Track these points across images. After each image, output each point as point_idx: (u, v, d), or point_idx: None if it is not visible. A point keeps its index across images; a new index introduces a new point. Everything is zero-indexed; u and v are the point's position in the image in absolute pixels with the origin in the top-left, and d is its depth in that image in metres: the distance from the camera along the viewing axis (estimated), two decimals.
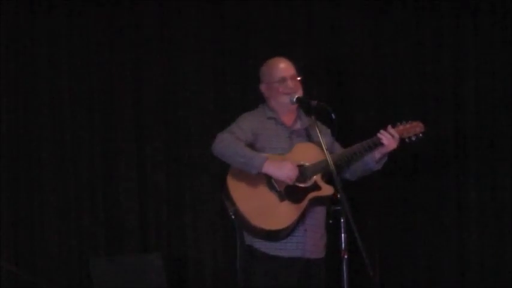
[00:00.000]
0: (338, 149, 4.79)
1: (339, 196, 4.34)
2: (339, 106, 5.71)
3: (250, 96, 5.89)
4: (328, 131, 4.81)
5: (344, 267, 4.33)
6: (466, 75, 6.17)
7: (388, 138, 4.68)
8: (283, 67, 4.73)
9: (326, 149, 4.47)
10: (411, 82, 6.21)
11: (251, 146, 4.61)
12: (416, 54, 6.21)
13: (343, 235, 4.34)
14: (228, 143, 4.53)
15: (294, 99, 4.67)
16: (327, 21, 6.20)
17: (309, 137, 4.75)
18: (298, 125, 4.76)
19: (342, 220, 4.34)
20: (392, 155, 4.86)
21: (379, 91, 6.20)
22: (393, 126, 4.74)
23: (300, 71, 4.79)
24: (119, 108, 5.95)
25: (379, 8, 6.18)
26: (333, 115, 4.50)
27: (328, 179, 4.64)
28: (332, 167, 4.42)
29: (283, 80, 4.69)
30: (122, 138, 5.94)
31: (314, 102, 4.59)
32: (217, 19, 6.07)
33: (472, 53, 6.17)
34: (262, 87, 4.77)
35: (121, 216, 5.91)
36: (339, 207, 4.34)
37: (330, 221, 4.43)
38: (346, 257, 4.34)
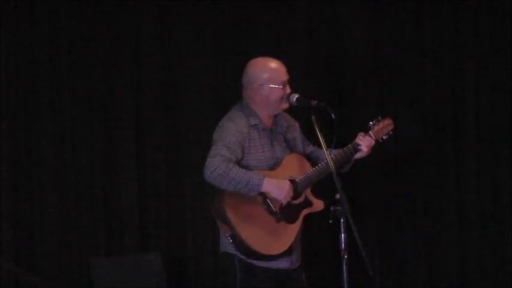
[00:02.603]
0: (308, 146, 4.79)
1: (338, 196, 4.34)
2: (339, 106, 5.73)
3: None
4: (297, 125, 4.79)
5: (344, 267, 4.32)
6: (466, 75, 6.17)
7: (367, 146, 4.69)
8: (283, 70, 4.64)
9: (326, 149, 4.46)
10: (411, 82, 6.21)
11: (239, 161, 4.52)
12: (416, 54, 6.21)
13: (343, 235, 4.34)
14: (221, 171, 4.39)
15: (294, 99, 4.64)
16: (327, 21, 6.20)
17: (285, 140, 4.73)
18: (277, 129, 4.71)
19: (342, 220, 4.33)
20: (392, 154, 4.88)
21: (379, 91, 6.20)
22: (367, 129, 4.74)
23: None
24: (119, 108, 5.95)
25: (379, 7, 6.18)
26: (332, 115, 4.50)
27: (319, 185, 4.64)
28: (332, 167, 4.43)
29: (284, 83, 4.63)
30: (121, 138, 5.94)
31: (314, 102, 4.58)
32: (217, 19, 6.07)
33: (472, 53, 6.17)
34: (258, 88, 4.62)
35: (121, 216, 5.91)
36: (339, 207, 4.34)
37: (330, 221, 4.43)
38: (346, 257, 4.33)
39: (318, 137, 4.50)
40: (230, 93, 5.99)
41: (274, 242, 4.52)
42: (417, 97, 6.20)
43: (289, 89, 4.64)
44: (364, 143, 4.69)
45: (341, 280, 4.34)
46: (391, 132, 4.81)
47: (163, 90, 6.02)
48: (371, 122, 4.78)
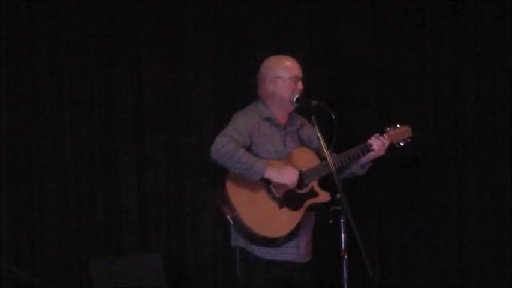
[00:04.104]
0: (323, 150, 4.80)
1: (339, 196, 4.35)
2: (339, 106, 5.73)
3: (250, 96, 5.89)
4: (314, 130, 4.81)
5: (344, 267, 4.33)
6: (466, 75, 6.17)
7: (379, 145, 4.71)
8: (296, 66, 4.73)
9: (326, 149, 4.47)
10: (411, 82, 6.21)
11: (247, 149, 4.59)
12: (416, 54, 6.21)
13: (343, 235, 4.35)
14: (229, 149, 4.47)
15: (294, 99, 4.67)
16: (327, 21, 6.20)
17: (300, 139, 4.76)
18: (292, 126, 4.76)
19: (342, 220, 4.34)
20: (392, 154, 4.89)
21: (379, 91, 6.20)
22: (383, 132, 4.77)
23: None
24: (119, 108, 5.95)
25: (379, 8, 6.18)
26: (332, 115, 4.51)
27: (322, 182, 4.66)
28: (332, 167, 4.44)
29: (297, 79, 4.70)
30: (121, 138, 5.94)
31: (314, 102, 4.60)
32: (217, 19, 6.07)
33: (472, 53, 6.17)
34: (270, 81, 4.70)
35: (121, 217, 5.92)
36: (339, 207, 4.34)
37: (330, 221, 4.43)
38: (346, 257, 4.34)
39: (318, 137, 4.51)
40: (230, 93, 6.02)
41: (274, 225, 4.54)
42: (417, 97, 6.20)
43: (302, 85, 4.70)
44: (376, 142, 4.72)
45: (341, 280, 4.35)
46: (409, 140, 4.83)
47: (163, 90, 6.02)
48: (388, 128, 4.81)
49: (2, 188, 5.71)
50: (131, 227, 5.91)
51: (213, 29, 6.07)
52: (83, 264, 5.72)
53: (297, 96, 4.67)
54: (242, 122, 4.62)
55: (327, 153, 4.46)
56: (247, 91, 5.93)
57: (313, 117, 4.57)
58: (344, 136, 4.71)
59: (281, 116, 4.73)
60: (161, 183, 6.00)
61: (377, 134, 4.76)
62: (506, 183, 6.12)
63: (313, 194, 4.64)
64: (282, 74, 4.69)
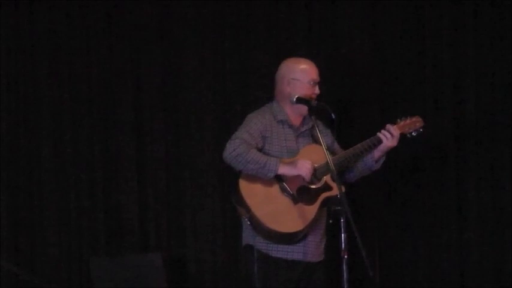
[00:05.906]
0: (338, 149, 4.81)
1: (338, 196, 4.35)
2: (339, 106, 5.73)
3: (250, 96, 5.90)
4: (328, 131, 4.83)
5: (344, 267, 4.33)
6: (466, 75, 6.17)
7: (389, 137, 4.72)
8: (315, 70, 4.77)
9: (326, 149, 4.48)
10: (411, 82, 6.20)
11: (260, 150, 4.62)
12: (417, 54, 6.20)
13: (343, 235, 4.35)
14: (240, 151, 4.51)
15: (294, 99, 4.68)
16: (327, 21, 6.20)
17: (313, 138, 4.77)
18: (304, 126, 4.78)
19: (342, 220, 4.34)
20: (392, 154, 4.89)
21: (379, 91, 6.20)
22: (393, 123, 4.79)
23: None
24: (119, 108, 5.95)
25: (379, 7, 6.18)
26: (333, 115, 4.52)
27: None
28: (332, 167, 4.44)
29: (315, 82, 4.73)
30: (122, 138, 5.94)
31: (314, 102, 4.62)
32: (217, 19, 6.07)
33: (472, 53, 6.17)
34: (288, 82, 4.72)
35: (121, 216, 5.92)
36: (339, 207, 4.34)
37: (330, 221, 4.44)
38: (346, 257, 4.34)
39: (318, 137, 4.52)
40: (230, 93, 6.02)
41: (290, 220, 4.56)
42: (417, 97, 6.19)
43: (318, 90, 4.72)
44: (386, 135, 4.74)
45: (341, 280, 4.34)
46: (421, 130, 4.89)
47: (163, 90, 6.02)
48: (398, 119, 4.85)
49: (2, 188, 5.71)
50: (131, 227, 5.91)
51: (213, 29, 6.06)
52: (83, 264, 5.72)
53: (297, 97, 4.68)
54: (253, 124, 4.65)
55: (327, 153, 4.47)
56: (247, 91, 5.95)
57: (313, 117, 4.59)
58: (344, 136, 4.72)
59: (295, 118, 4.76)
60: (161, 183, 6.00)
61: (389, 124, 4.79)
62: (506, 183, 6.12)
63: (327, 187, 4.65)
64: (301, 77, 4.72)
